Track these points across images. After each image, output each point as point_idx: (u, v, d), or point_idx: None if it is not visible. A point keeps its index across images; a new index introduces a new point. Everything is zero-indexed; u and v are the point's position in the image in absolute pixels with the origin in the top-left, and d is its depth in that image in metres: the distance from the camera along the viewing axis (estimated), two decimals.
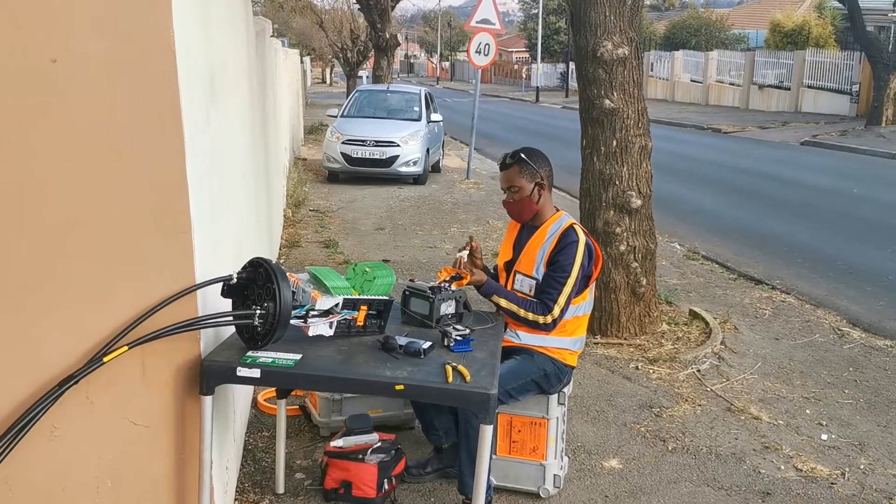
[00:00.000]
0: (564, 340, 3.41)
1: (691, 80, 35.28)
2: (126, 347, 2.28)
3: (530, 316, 3.30)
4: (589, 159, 5.62)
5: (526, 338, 3.38)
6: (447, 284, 3.13)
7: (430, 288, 3.04)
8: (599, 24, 5.37)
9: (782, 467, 3.98)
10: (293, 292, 2.81)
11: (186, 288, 2.48)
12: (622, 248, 5.54)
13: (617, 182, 5.51)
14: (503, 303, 3.33)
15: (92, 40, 2.24)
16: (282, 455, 3.55)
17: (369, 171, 13.67)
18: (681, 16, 42.73)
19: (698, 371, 5.16)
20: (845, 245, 9.42)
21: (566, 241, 3.33)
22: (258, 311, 2.52)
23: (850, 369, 5.38)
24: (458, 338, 2.77)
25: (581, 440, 4.17)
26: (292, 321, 2.63)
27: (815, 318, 6.59)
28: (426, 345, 2.71)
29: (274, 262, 2.63)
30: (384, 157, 13.53)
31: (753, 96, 30.80)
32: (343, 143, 13.59)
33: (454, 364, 2.58)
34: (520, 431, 3.50)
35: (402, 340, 2.74)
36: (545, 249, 3.36)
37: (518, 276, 3.43)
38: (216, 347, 2.69)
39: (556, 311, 3.28)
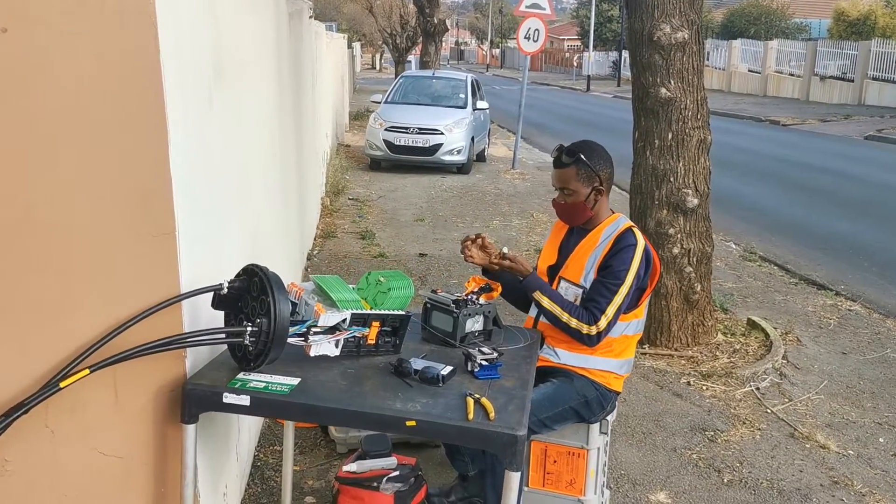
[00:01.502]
0: (610, 362, 2.99)
1: (749, 70, 34.17)
2: (87, 371, 1.94)
3: (573, 323, 2.87)
4: (641, 153, 5.16)
5: (566, 357, 2.97)
6: (475, 297, 2.74)
7: (455, 301, 2.64)
8: (657, 4, 4.90)
9: None
10: (294, 304, 2.45)
11: (165, 300, 2.13)
12: (675, 250, 5.08)
13: (672, 179, 5.04)
14: (545, 302, 2.91)
15: (51, 5, 1.89)
16: (289, 476, 3.20)
17: (412, 160, 13.32)
18: (740, 3, 41.42)
19: (757, 389, 4.68)
20: None
21: (622, 244, 2.92)
22: (249, 328, 2.16)
23: None
24: (484, 362, 2.37)
25: (625, 467, 3.75)
26: (291, 339, 2.26)
27: (886, 329, 6.04)
28: (445, 370, 2.33)
29: (271, 271, 2.26)
30: (427, 146, 13.16)
31: (814, 88, 29.68)
32: (386, 129, 13.25)
33: (477, 396, 2.19)
34: (555, 462, 3.10)
35: (417, 364, 2.35)
36: (597, 254, 2.95)
37: (563, 284, 3.01)
38: (205, 367, 2.34)
39: (603, 322, 2.86)
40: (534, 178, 13.36)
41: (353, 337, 2.41)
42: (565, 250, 3.09)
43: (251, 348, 2.20)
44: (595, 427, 3.02)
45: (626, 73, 44.04)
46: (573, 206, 2.98)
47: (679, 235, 5.07)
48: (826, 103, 28.19)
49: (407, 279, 2.52)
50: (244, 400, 2.15)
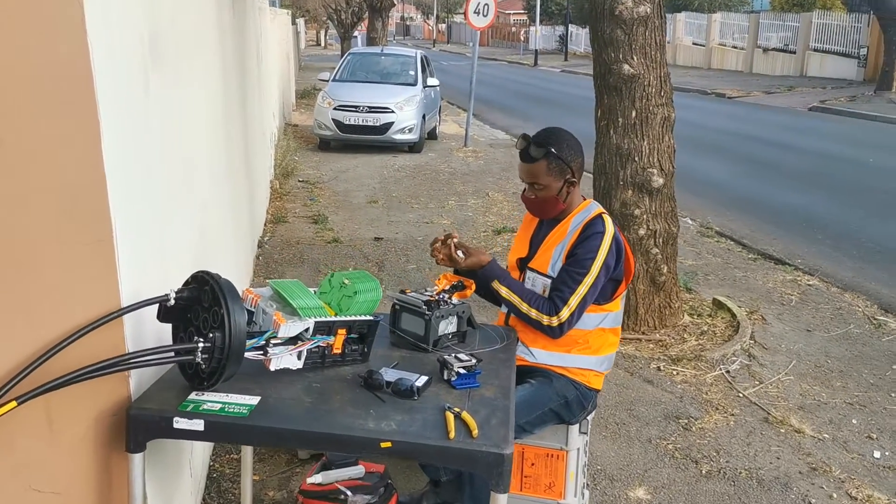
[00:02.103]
0: (589, 360, 2.82)
1: (693, 44, 34.40)
2: (14, 403, 1.69)
3: (533, 314, 2.69)
4: (605, 132, 5.00)
5: (543, 356, 2.79)
6: (446, 296, 2.54)
7: (426, 302, 2.43)
8: None
9: (834, 495, 3.43)
10: (251, 312, 2.21)
11: (102, 316, 1.88)
12: (641, 231, 4.94)
13: (636, 158, 4.89)
14: (503, 291, 2.72)
15: None
16: (248, 488, 2.98)
17: (362, 139, 13.01)
18: None
19: (727, 372, 4.59)
20: (868, 220, 8.84)
21: (590, 231, 2.73)
22: (201, 344, 1.93)
23: (894, 367, 4.82)
24: (462, 370, 2.18)
25: (601, 462, 3.61)
26: (248, 354, 2.04)
27: (846, 304, 6.02)
28: (420, 381, 2.13)
29: (223, 278, 2.02)
30: (378, 124, 12.86)
31: (757, 60, 29.99)
32: (335, 108, 12.90)
33: (457, 410, 1.99)
34: (533, 465, 2.93)
35: (389, 375, 2.15)
36: (565, 243, 2.77)
37: (531, 275, 2.83)
38: (152, 386, 2.10)
39: (566, 313, 2.67)
40: (487, 155, 13.17)
41: (318, 347, 2.20)
42: (536, 241, 2.90)
43: (204, 366, 1.97)
44: (575, 427, 2.86)
45: (573, 47, 44.08)
46: (544, 200, 2.78)
47: (645, 216, 4.93)
48: (769, 75, 28.52)
49: (374, 280, 2.31)
50: (197, 425, 1.92)
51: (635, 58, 4.79)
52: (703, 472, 3.56)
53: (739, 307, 5.59)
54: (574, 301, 2.67)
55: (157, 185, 2.52)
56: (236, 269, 5.12)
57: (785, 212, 9.24)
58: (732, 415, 4.10)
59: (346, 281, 2.26)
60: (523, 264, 2.88)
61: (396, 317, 2.50)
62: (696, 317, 5.33)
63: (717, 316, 5.38)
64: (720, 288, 6.24)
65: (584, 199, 2.88)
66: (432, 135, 14.71)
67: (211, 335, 1.94)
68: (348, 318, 2.22)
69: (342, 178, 10.85)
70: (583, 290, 2.67)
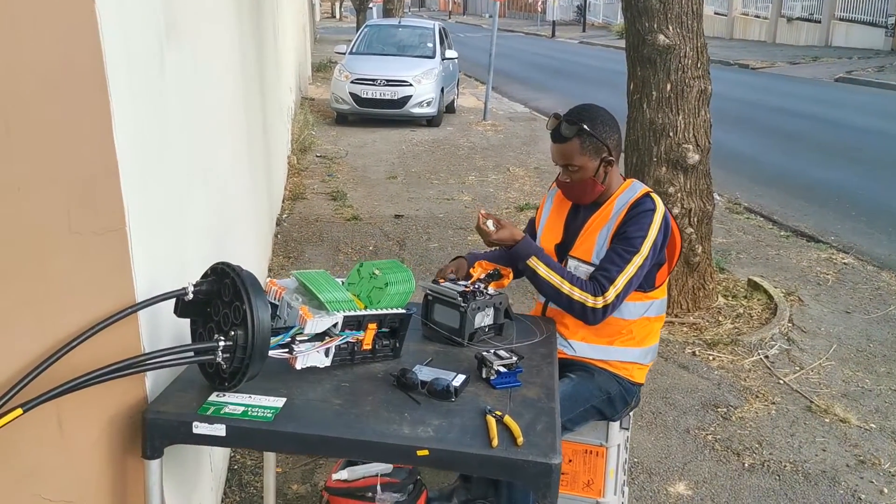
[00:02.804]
0: (632, 352, 2.64)
1: (715, 13, 33.71)
2: (20, 410, 1.54)
3: (576, 294, 2.47)
4: (637, 106, 4.78)
5: (583, 349, 2.61)
6: (482, 286, 2.37)
7: (461, 293, 2.26)
8: None
9: (885, 490, 3.26)
10: (275, 306, 2.05)
11: (116, 313, 1.73)
12: (675, 210, 4.74)
13: (671, 133, 4.68)
14: (542, 270, 2.49)
15: None
16: (271, 483, 2.84)
17: (380, 113, 12.79)
18: None
19: (766, 357, 4.41)
20: None
21: (639, 209, 2.53)
22: (222, 343, 1.77)
23: None
24: (502, 369, 2.02)
25: (638, 454, 3.45)
26: (272, 352, 1.88)
27: (884, 284, 5.81)
28: (458, 380, 1.96)
29: (245, 270, 1.86)
30: (396, 98, 12.64)
31: (781, 29, 29.36)
32: (352, 82, 12.68)
33: (498, 413, 1.83)
34: (570, 461, 2.78)
35: (424, 373, 1.99)
36: (610, 227, 2.56)
37: (572, 263, 2.61)
38: (170, 387, 1.95)
39: (612, 294, 2.46)
40: (506, 129, 12.94)
41: (347, 343, 2.04)
42: (573, 226, 2.69)
43: (225, 366, 1.81)
44: (616, 423, 2.70)
45: (591, 18, 43.43)
46: (581, 183, 2.58)
47: (679, 194, 4.73)
48: (793, 45, 27.92)
49: (406, 270, 2.14)
50: (219, 430, 1.77)
51: (671, 27, 4.57)
52: (746, 465, 3.39)
53: (775, 288, 5.38)
54: (621, 282, 2.47)
55: (175, 168, 2.36)
56: (255, 250, 4.97)
57: (815, 186, 8.99)
58: (773, 403, 3.92)
59: (377, 271, 2.09)
60: (562, 251, 2.69)
61: (429, 308, 2.33)
62: (730, 298, 5.14)
63: (753, 298, 5.18)
64: (753, 267, 6.04)
65: (626, 179, 2.69)
66: (450, 108, 14.47)
67: (232, 333, 1.78)
68: (379, 312, 2.06)
69: (360, 153, 10.66)
70: (631, 269, 2.48)
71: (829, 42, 27.10)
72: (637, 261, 2.48)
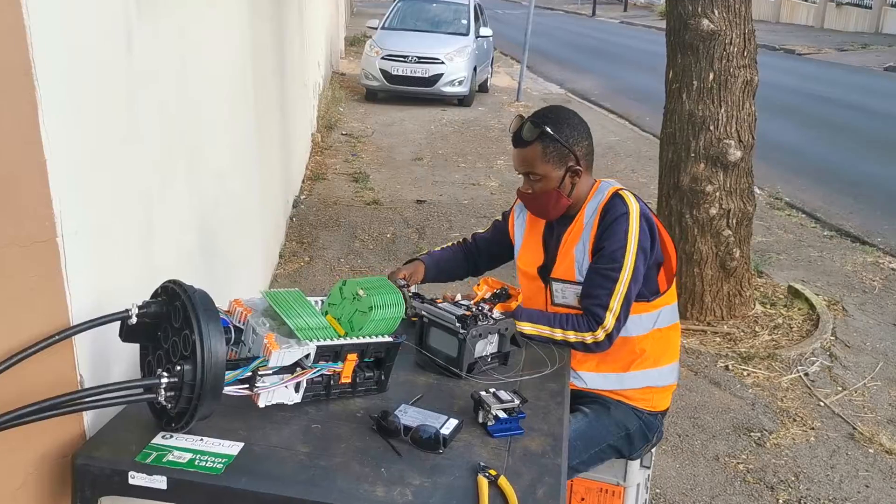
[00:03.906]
0: (649, 374, 2.32)
1: None
2: None
3: (571, 337, 2.19)
4: (676, 96, 4.42)
5: (595, 381, 2.30)
6: (486, 307, 2.06)
7: (460, 317, 1.96)
8: None
9: None
10: (238, 330, 1.76)
11: (34, 344, 1.45)
12: (713, 211, 4.38)
13: (712, 127, 4.32)
14: (527, 329, 2.19)
15: None
16: None
17: (410, 91, 12.46)
18: None
19: (806, 375, 4.05)
20: None
21: (611, 215, 2.21)
22: (164, 380, 1.49)
23: None
24: (501, 413, 1.72)
25: (661, 483, 3.14)
26: (229, 389, 1.60)
27: None
28: (448, 427, 1.67)
29: (199, 291, 1.58)
30: (427, 76, 12.29)
31: (830, 14, 28.44)
32: (382, 58, 12.35)
33: (492, 473, 1.54)
34: (583, 500, 2.48)
35: (409, 416, 1.70)
36: (586, 238, 2.25)
37: (557, 286, 2.30)
38: (113, 421, 1.67)
39: (609, 320, 2.17)
40: None
41: (321, 375, 1.75)
42: (551, 245, 2.37)
43: (170, 406, 1.54)
44: (636, 461, 2.39)
45: None
46: (544, 195, 2.26)
47: (718, 193, 4.37)
48: (841, 31, 27.03)
49: (395, 292, 1.83)
50: (159, 482, 1.50)
51: (716, 11, 4.19)
52: (781, 501, 3.07)
53: (817, 295, 5.01)
54: (615, 303, 2.17)
55: (143, 161, 2.08)
56: (263, 236, 4.71)
57: (862, 183, 8.53)
58: (812, 428, 3.58)
59: (361, 291, 1.80)
60: (546, 273, 2.37)
61: (424, 332, 2.03)
62: (768, 306, 4.78)
63: (793, 306, 4.81)
64: (793, 270, 5.66)
65: (595, 181, 2.35)
66: (483, 87, 14.09)
67: (178, 367, 1.50)
68: (361, 341, 1.76)
69: (387, 133, 10.36)
70: (622, 287, 2.17)
71: (879, 29, 26.17)
72: (625, 276, 2.17)
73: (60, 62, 1.53)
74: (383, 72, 12.31)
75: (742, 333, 4.43)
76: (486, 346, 1.99)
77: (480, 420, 1.74)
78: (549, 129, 2.18)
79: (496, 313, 2.03)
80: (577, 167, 2.23)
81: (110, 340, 1.69)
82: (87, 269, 1.65)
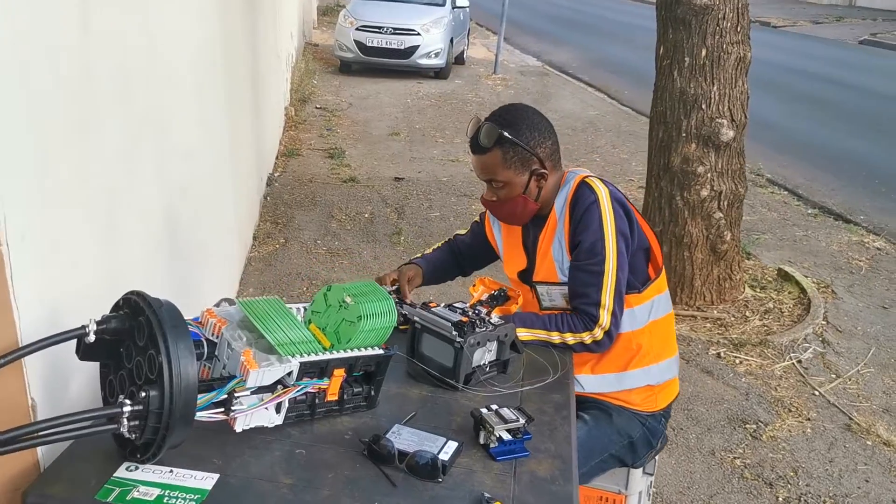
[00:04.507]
0: (650, 372, 2.17)
1: None
2: None
3: (568, 338, 2.04)
4: (667, 73, 4.25)
5: (593, 384, 2.15)
6: (483, 311, 1.90)
7: (456, 324, 1.79)
8: None
9: None
10: (212, 343, 1.58)
11: None
12: (704, 193, 4.24)
13: (704, 106, 4.16)
14: (524, 334, 2.03)
15: None
16: None
17: (386, 63, 12.17)
18: None
19: (799, 363, 3.95)
20: None
21: (580, 206, 2.05)
22: (127, 409, 1.31)
23: None
24: (505, 435, 1.56)
25: (657, 482, 3.01)
26: (202, 415, 1.42)
27: None
28: (447, 451, 1.51)
29: (166, 304, 1.39)
30: (403, 48, 12.01)
31: None
32: (357, 29, 12.03)
33: (492, 502, 1.38)
34: None
35: (403, 439, 1.53)
36: (560, 234, 2.09)
37: (542, 289, 2.16)
38: (71, 447, 1.49)
39: (604, 316, 2.02)
40: (517, 84, 12.35)
41: (305, 393, 1.58)
42: (530, 246, 2.22)
43: (135, 438, 1.36)
44: (638, 469, 2.25)
45: None
46: (509, 202, 2.11)
47: (709, 175, 4.22)
48: (816, 3, 27.03)
49: (387, 298, 1.66)
50: None
51: None
52: (780, 499, 2.96)
53: (806, 278, 4.91)
54: (606, 298, 2.02)
55: (102, 150, 1.87)
56: (236, 218, 4.50)
57: (841, 158, 8.48)
58: (808, 419, 3.48)
59: (349, 299, 1.62)
60: (527, 278, 2.22)
61: (416, 339, 1.86)
62: (758, 290, 4.67)
63: (784, 290, 4.70)
64: (780, 251, 5.56)
65: (563, 173, 2.18)
66: (460, 59, 13.83)
67: (143, 394, 1.32)
68: (349, 355, 1.59)
69: (362, 106, 10.11)
70: (609, 280, 2.02)
71: (853, 1, 26.19)
72: (610, 267, 2.02)
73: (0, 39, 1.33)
74: (358, 43, 12.01)
75: (733, 319, 4.32)
76: (485, 355, 1.83)
77: (482, 441, 1.58)
78: (507, 134, 2.01)
79: (495, 318, 1.87)
80: (542, 170, 2.08)
81: (66, 358, 1.51)
82: (37, 279, 1.45)
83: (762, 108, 10.57)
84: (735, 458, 3.19)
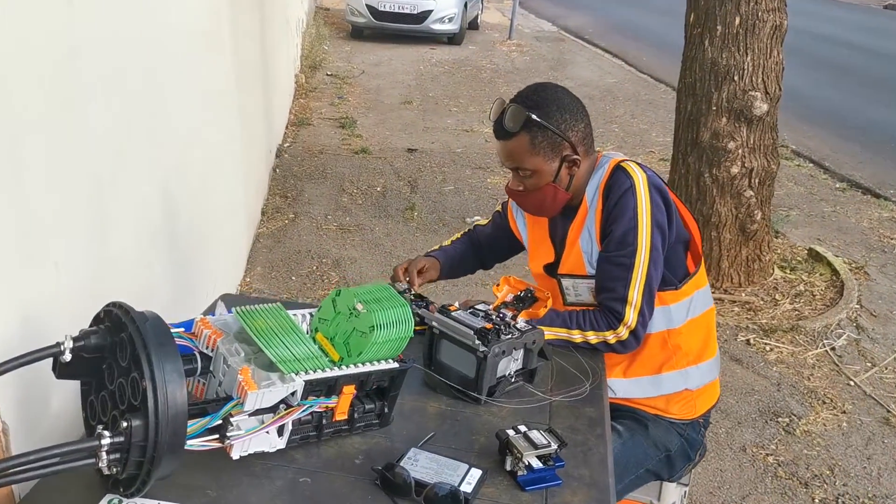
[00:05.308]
0: (689, 374, 1.99)
1: None
2: None
3: (591, 337, 1.86)
4: (697, 43, 4.01)
5: (625, 388, 1.98)
6: (509, 314, 1.71)
7: (479, 331, 1.61)
8: None
9: None
10: (206, 357, 1.41)
11: None
12: (734, 169, 4.02)
13: (736, 77, 3.93)
14: (547, 333, 1.81)
15: None
16: None
17: (398, 28, 11.91)
18: None
19: (832, 350, 3.76)
20: None
21: (615, 192, 1.85)
22: (106, 441, 1.14)
23: None
24: (535, 462, 1.38)
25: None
26: (194, 443, 1.26)
27: None
28: (469, 482, 1.34)
29: (151, 318, 1.22)
30: (416, 12, 11.74)
31: None
32: None
33: None
34: None
35: (420, 466, 1.36)
36: (591, 223, 1.90)
37: (567, 283, 1.96)
38: (48, 477, 1.33)
39: (630, 314, 1.84)
40: (532, 50, 12.06)
41: (311, 413, 1.41)
42: (557, 237, 2.03)
43: (116, 471, 1.19)
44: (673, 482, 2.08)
45: None
46: (537, 192, 1.90)
47: (740, 151, 4.00)
48: None
49: (401, 304, 1.47)
50: None
51: None
52: (817, 500, 2.79)
53: (837, 257, 4.69)
54: (634, 294, 1.83)
55: (85, 129, 1.69)
56: (244, 193, 4.32)
57: (868, 129, 8.22)
58: (844, 412, 3.30)
59: (360, 306, 1.44)
60: (553, 271, 2.03)
61: (435, 346, 1.69)
62: (788, 271, 4.46)
63: (815, 271, 4.49)
64: (808, 227, 5.35)
65: (597, 156, 1.98)
66: (473, 24, 13.54)
67: (125, 424, 1.15)
68: (360, 370, 1.41)
69: (374, 73, 9.87)
70: (639, 275, 1.83)
71: None
72: (641, 260, 1.83)
73: None
74: (370, 8, 11.74)
75: (762, 302, 4.12)
76: (510, 364, 1.65)
77: (508, 468, 1.41)
78: (535, 116, 1.81)
79: (521, 322, 1.68)
80: (574, 156, 1.87)
81: (45, 371, 1.34)
82: (9, 279, 1.28)
83: (786, 76, 10.28)
84: (768, 454, 3.01)
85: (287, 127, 7.15)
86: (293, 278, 4.23)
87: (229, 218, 3.83)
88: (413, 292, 1.96)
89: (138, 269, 2.15)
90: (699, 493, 2.80)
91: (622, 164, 1.89)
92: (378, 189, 5.69)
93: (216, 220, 3.44)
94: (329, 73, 9.69)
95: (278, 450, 1.38)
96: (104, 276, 1.80)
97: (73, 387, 1.42)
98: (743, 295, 4.16)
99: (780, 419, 3.23)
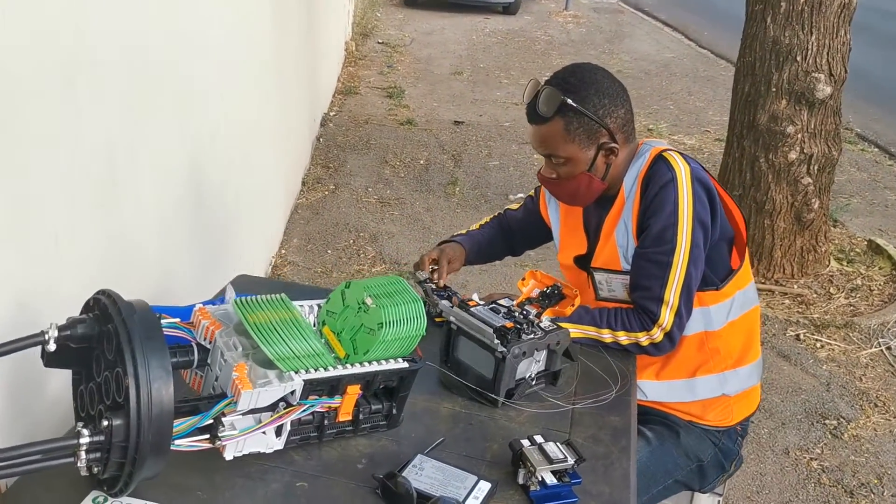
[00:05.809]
0: (726, 379, 1.86)
1: None
2: None
3: (622, 338, 1.74)
4: (759, 20, 3.80)
5: (657, 391, 1.86)
6: (534, 313, 1.60)
7: (499, 329, 1.51)
8: None
9: None
10: (204, 349, 1.33)
11: None
12: (792, 155, 3.82)
13: (799, 58, 3.71)
14: (573, 331, 1.71)
15: None
16: None
17: None
18: None
19: (888, 350, 3.56)
20: None
21: (655, 184, 1.72)
22: (85, 440, 1.07)
23: None
24: (549, 478, 1.28)
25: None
26: (181, 443, 1.18)
27: None
28: (478, 494, 1.25)
29: (139, 309, 1.14)
30: None
31: None
32: None
33: None
34: None
35: (425, 477, 1.27)
36: (628, 214, 1.77)
37: (600, 277, 1.84)
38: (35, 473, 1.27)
39: (666, 315, 1.71)
40: (589, 22, 11.76)
41: (312, 413, 1.32)
42: (592, 228, 1.91)
43: (99, 471, 1.13)
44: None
45: None
46: (571, 181, 1.77)
47: (800, 136, 3.79)
48: None
49: (414, 299, 1.37)
50: None
51: None
52: None
53: None
54: (671, 294, 1.71)
55: (99, 92, 1.62)
56: (283, 164, 4.26)
57: None
58: None
59: (369, 300, 1.34)
60: (585, 263, 1.90)
61: (451, 342, 1.59)
62: (845, 263, 4.24)
63: (874, 265, 4.27)
64: (870, 217, 5.10)
65: (638, 144, 1.84)
66: None
67: (107, 422, 1.08)
68: (366, 370, 1.32)
69: (426, 42, 9.73)
70: (677, 274, 1.70)
71: None
72: (680, 259, 1.70)
73: None
74: None
75: (815, 295, 3.92)
76: (531, 366, 1.54)
77: (520, 481, 1.31)
78: (570, 101, 1.68)
79: (545, 321, 1.57)
80: (612, 144, 1.74)
81: (33, 360, 1.28)
82: (5, 257, 1.22)
83: (853, 55, 9.85)
84: (812, 459, 2.86)
85: (334, 95, 7.08)
86: (329, 252, 4.16)
87: (265, 189, 3.78)
88: (436, 283, 1.86)
89: (157, 245, 2.09)
90: (736, 497, 2.67)
91: (664, 153, 1.76)
92: (421, 162, 5.59)
93: (251, 191, 3.38)
94: (380, 40, 9.59)
95: (277, 451, 1.30)
96: (116, 253, 1.74)
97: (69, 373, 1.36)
98: (795, 287, 3.97)
99: (827, 421, 3.07)
